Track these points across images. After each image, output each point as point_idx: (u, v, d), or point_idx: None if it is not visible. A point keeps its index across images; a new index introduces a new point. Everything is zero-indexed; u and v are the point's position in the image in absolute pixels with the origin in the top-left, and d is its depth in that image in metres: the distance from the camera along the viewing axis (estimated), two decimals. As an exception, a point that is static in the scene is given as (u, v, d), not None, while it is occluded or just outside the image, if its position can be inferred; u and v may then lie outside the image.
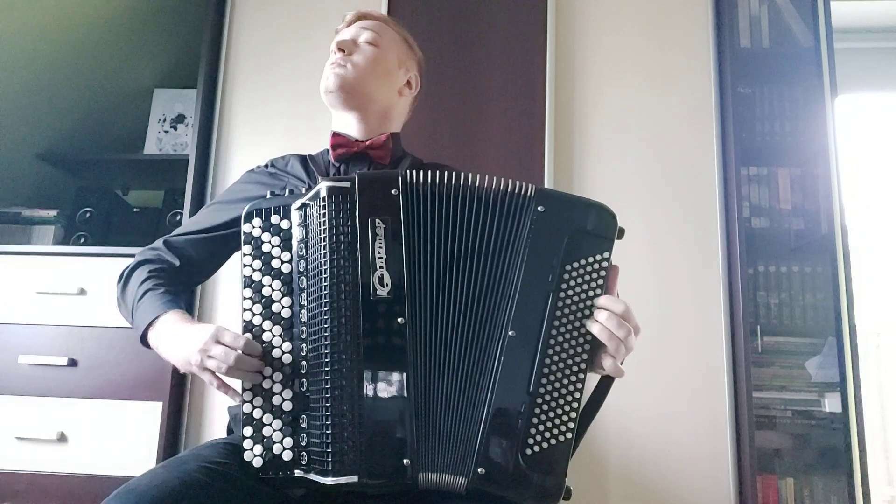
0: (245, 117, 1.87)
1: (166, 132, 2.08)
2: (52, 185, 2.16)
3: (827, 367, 1.69)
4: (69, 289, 1.69)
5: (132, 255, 1.69)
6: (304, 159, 1.18)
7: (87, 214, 2.02)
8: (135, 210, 2.11)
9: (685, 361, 1.66)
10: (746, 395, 1.58)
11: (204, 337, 0.86)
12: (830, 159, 1.71)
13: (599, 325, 0.84)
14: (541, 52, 1.84)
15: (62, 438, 1.63)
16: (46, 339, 1.67)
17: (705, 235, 1.72)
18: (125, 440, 1.62)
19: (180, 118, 2.09)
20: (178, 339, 0.91)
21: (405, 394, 0.82)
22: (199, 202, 1.80)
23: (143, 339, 0.98)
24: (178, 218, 1.96)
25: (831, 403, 1.65)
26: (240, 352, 0.84)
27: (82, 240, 1.98)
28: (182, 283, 1.09)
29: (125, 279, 1.06)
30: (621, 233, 0.88)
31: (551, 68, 1.82)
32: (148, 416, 1.62)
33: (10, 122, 2.01)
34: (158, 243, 1.11)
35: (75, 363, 1.66)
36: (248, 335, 0.86)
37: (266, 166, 1.19)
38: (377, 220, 0.85)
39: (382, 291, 0.84)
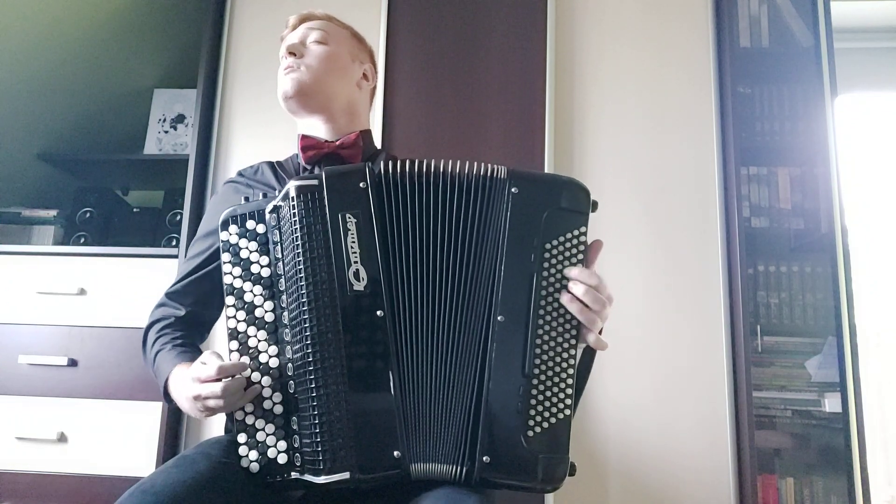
0: (245, 117, 1.87)
1: (166, 132, 2.08)
2: (51, 185, 2.16)
3: (827, 366, 1.69)
4: (69, 289, 1.69)
5: (132, 255, 1.73)
6: (272, 166, 1.16)
7: (87, 214, 2.02)
8: (135, 210, 2.11)
9: (685, 361, 1.66)
10: (746, 394, 1.58)
11: (187, 385, 0.86)
12: (830, 159, 1.71)
13: (576, 303, 0.83)
14: (541, 52, 1.84)
15: (62, 438, 1.62)
16: (46, 339, 1.67)
17: (705, 235, 1.72)
18: (125, 440, 1.62)
19: (180, 118, 2.09)
20: (180, 395, 0.91)
21: (391, 386, 0.82)
22: (199, 202, 1.80)
23: (170, 402, 0.99)
24: (178, 218, 1.95)
25: (831, 403, 1.65)
26: (222, 382, 0.82)
27: (82, 240, 1.98)
28: (194, 328, 1.09)
29: (143, 345, 1.07)
30: (595, 206, 0.88)
31: (551, 69, 1.82)
32: (148, 416, 1.62)
33: (9, 122, 2.01)
34: (162, 298, 1.10)
35: (75, 363, 1.66)
36: (221, 360, 0.85)
37: (235, 178, 1.17)
38: (347, 215, 0.84)
39: (359, 286, 0.83)
